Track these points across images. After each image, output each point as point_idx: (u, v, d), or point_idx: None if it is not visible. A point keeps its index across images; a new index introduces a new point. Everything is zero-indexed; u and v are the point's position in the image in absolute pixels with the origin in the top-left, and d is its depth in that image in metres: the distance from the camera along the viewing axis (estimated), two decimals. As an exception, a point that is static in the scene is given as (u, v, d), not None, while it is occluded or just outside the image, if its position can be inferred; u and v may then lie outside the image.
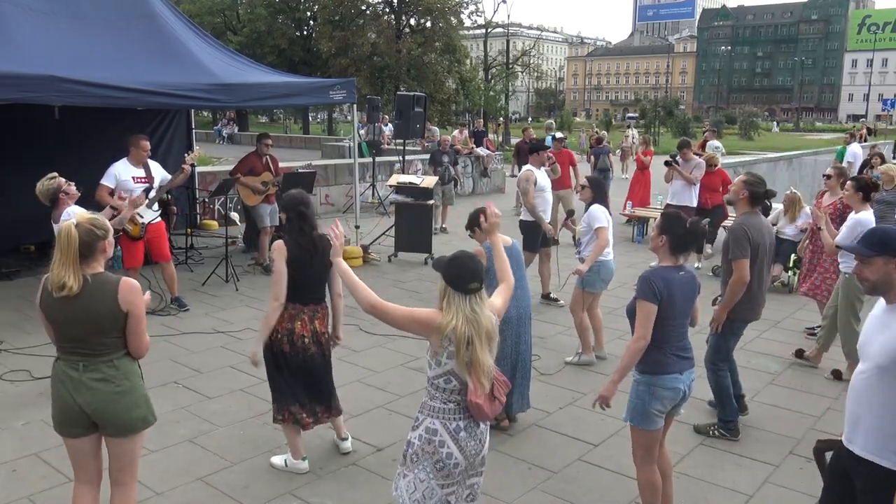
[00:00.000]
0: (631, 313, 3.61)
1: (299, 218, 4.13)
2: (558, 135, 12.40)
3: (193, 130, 11.07)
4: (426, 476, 2.88)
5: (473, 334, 2.79)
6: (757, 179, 4.85)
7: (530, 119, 39.65)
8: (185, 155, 7.97)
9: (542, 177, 7.71)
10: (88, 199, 6.23)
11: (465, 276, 2.84)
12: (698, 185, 9.90)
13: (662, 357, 3.52)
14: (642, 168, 13.18)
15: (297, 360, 4.14)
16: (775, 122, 66.91)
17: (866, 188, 5.77)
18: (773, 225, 8.24)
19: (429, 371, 2.92)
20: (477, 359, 2.79)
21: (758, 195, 4.77)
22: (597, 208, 6.07)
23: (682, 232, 3.55)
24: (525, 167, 7.85)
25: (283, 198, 4.31)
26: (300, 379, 4.19)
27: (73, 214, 5.25)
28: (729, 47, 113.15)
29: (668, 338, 3.52)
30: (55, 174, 5.68)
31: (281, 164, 9.55)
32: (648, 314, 3.45)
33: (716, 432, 4.90)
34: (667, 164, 10.05)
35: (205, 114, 43.73)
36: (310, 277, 4.14)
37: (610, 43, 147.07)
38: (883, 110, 69.96)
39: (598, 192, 6.18)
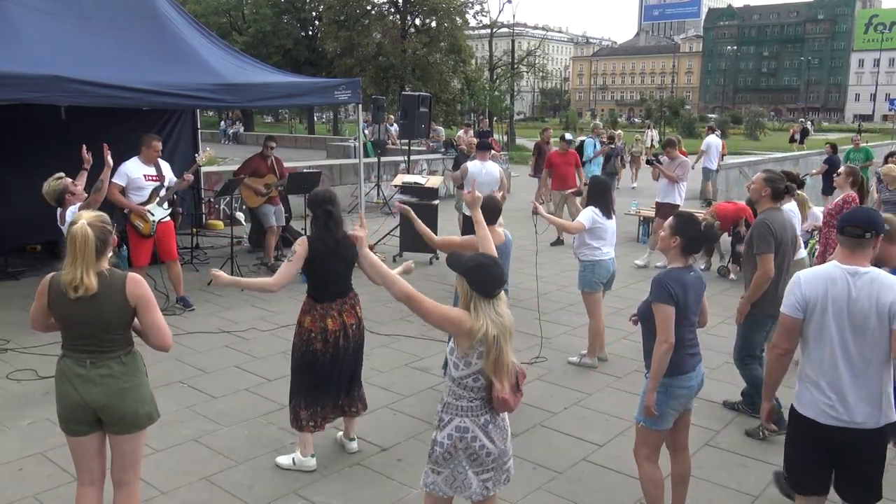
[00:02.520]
0: (644, 316, 3.60)
1: (326, 216, 4.22)
2: (567, 136, 12.39)
3: (199, 130, 11.09)
4: (463, 469, 3.00)
5: (501, 337, 2.87)
6: (776, 175, 4.97)
7: (506, 116, 39.58)
8: (196, 154, 7.95)
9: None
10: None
11: (492, 283, 2.91)
12: (684, 183, 10.03)
13: (678, 358, 3.52)
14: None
15: (326, 357, 4.21)
16: (810, 122, 63.60)
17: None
18: None
19: (455, 372, 2.96)
20: (503, 359, 2.89)
21: (779, 191, 4.87)
22: (588, 209, 6.00)
23: (695, 234, 3.56)
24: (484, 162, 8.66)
25: (310, 196, 4.40)
26: (330, 376, 4.24)
27: (75, 213, 5.27)
28: (735, 47, 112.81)
29: (683, 338, 3.52)
30: (62, 174, 5.69)
31: (285, 165, 9.56)
32: (668, 317, 3.44)
33: (762, 432, 4.82)
34: (648, 162, 10.26)
35: (210, 113, 43.79)
36: (333, 275, 4.21)
37: (615, 43, 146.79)
38: (890, 110, 69.55)
39: (597, 194, 6.05)
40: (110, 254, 3.15)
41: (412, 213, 4.96)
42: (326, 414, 4.35)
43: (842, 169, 7.26)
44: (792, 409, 3.26)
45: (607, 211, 6.04)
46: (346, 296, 4.30)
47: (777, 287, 4.84)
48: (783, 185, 4.89)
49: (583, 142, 14.64)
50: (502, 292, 2.96)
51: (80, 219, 3.03)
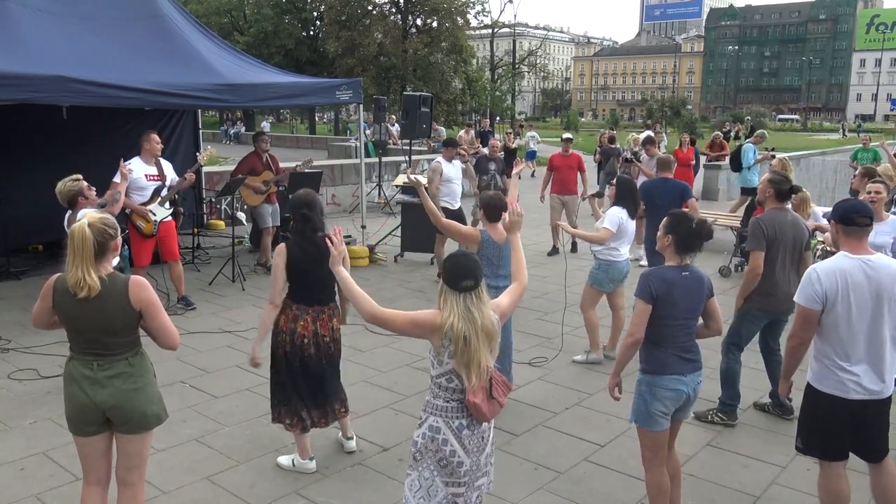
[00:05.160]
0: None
1: (303, 220, 4.14)
2: (566, 135, 11.83)
3: (200, 130, 11.10)
4: (430, 473, 2.90)
5: (470, 332, 2.79)
6: (781, 177, 5.08)
7: (507, 116, 39.72)
8: (197, 153, 7.93)
9: (448, 168, 8.87)
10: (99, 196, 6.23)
11: (458, 275, 2.84)
12: None
13: (663, 357, 3.51)
14: (686, 164, 12.13)
15: (295, 361, 4.17)
16: (842, 125, 59.61)
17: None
18: None
19: (432, 370, 2.96)
20: (474, 358, 2.80)
21: (782, 192, 4.98)
22: (614, 210, 5.99)
23: (687, 231, 3.54)
24: (436, 158, 9.22)
25: (290, 199, 4.32)
26: (298, 380, 4.20)
27: (84, 215, 5.28)
28: (736, 47, 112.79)
29: (669, 338, 3.50)
30: (79, 176, 5.66)
31: (287, 165, 9.57)
32: (641, 313, 3.49)
33: (714, 417, 5.08)
34: (627, 160, 10.34)
35: (211, 113, 43.83)
36: (315, 280, 4.12)
37: (617, 43, 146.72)
38: (891, 110, 69.53)
39: (625, 194, 6.04)
40: (115, 258, 3.13)
41: (422, 186, 5.09)
42: (302, 415, 4.24)
43: (858, 170, 7.37)
44: (811, 389, 3.48)
45: (633, 212, 6.04)
46: (325, 305, 4.22)
47: (775, 285, 4.90)
48: (787, 187, 4.97)
49: (740, 146, 12.74)
50: (480, 291, 2.87)
51: (83, 219, 3.03)
